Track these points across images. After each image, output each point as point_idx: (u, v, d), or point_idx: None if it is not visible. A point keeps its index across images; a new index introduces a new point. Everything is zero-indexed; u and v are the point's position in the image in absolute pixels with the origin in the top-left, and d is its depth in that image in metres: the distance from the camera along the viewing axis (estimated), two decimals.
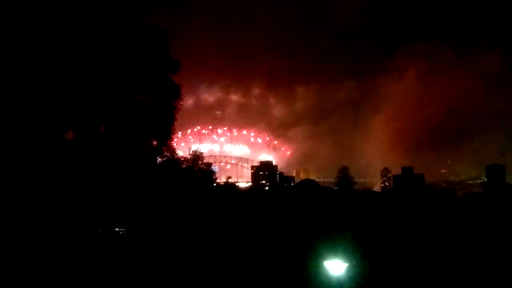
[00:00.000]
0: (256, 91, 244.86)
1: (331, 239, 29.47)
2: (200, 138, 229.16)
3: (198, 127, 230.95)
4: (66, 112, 32.78)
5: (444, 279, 36.31)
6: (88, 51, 32.58)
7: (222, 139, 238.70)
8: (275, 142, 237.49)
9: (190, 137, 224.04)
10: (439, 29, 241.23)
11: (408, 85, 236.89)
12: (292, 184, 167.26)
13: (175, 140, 40.37)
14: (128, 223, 35.84)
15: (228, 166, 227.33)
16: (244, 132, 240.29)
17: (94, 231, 34.07)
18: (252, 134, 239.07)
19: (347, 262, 25.50)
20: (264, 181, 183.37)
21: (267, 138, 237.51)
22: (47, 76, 31.13)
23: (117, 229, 37.12)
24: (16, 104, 30.25)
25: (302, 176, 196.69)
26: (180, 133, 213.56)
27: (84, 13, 32.59)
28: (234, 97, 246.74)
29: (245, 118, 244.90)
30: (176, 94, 37.66)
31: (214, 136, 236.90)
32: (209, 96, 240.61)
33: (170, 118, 37.59)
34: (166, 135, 38.13)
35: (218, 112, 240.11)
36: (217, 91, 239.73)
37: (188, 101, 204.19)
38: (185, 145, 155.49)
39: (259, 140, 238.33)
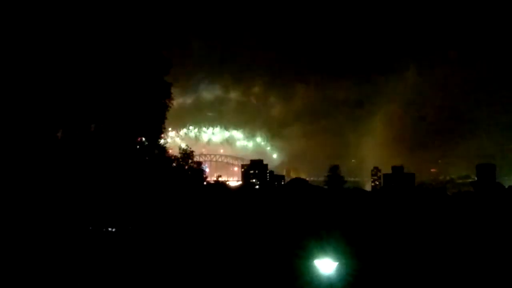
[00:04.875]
0: (255, 89, 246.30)
1: (321, 238, 29.46)
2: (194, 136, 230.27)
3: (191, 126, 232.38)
4: (57, 112, 32.76)
5: (435, 278, 36.46)
6: (78, 51, 32.62)
7: (215, 137, 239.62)
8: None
9: (181, 134, 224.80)
10: (437, 32, 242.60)
11: (402, 86, 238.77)
12: (283, 182, 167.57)
13: (167, 138, 40.44)
14: (118, 221, 35.77)
15: (220, 163, 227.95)
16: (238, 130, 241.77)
17: (85, 230, 33.94)
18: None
19: (337, 261, 25.58)
20: (254, 180, 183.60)
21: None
22: (39, 77, 31.09)
23: (107, 228, 37.01)
24: (8, 104, 30.21)
25: (293, 174, 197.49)
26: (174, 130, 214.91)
27: (74, 14, 32.60)
28: (232, 96, 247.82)
29: (241, 116, 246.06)
30: (167, 93, 37.82)
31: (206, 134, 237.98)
32: (208, 94, 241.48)
33: (161, 116, 37.72)
34: (157, 134, 38.21)
35: (210, 114, 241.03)
36: (216, 89, 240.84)
37: (184, 100, 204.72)
38: (176, 143, 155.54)
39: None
